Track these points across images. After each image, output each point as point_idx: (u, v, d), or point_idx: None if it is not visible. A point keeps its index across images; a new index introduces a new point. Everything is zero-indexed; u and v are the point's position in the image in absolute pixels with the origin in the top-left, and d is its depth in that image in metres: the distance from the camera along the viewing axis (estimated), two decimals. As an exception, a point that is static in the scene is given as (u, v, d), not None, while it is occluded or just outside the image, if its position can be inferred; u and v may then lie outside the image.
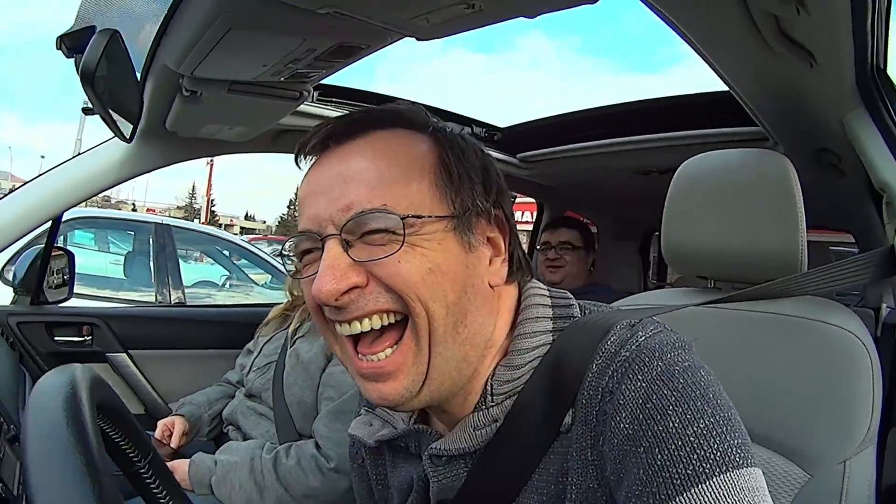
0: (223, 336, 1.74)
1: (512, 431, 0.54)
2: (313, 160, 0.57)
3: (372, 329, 0.52)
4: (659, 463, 0.43)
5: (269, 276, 4.64)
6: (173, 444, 1.38)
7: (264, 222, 47.74)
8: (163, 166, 1.52)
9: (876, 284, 2.60)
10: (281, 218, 44.70)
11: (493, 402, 0.55)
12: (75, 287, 1.71)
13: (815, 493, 0.80)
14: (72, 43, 0.95)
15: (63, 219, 3.75)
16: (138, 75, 1.07)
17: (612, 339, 0.52)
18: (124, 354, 1.69)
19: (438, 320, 0.51)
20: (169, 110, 1.26)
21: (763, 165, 0.96)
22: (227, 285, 4.81)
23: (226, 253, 4.75)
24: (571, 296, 0.62)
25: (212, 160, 29.61)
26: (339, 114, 1.60)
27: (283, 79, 1.03)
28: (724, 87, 1.06)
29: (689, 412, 0.44)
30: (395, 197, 0.51)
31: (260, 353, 1.46)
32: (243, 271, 4.78)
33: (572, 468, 0.50)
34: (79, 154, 1.43)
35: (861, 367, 0.83)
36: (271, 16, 0.79)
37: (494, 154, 1.96)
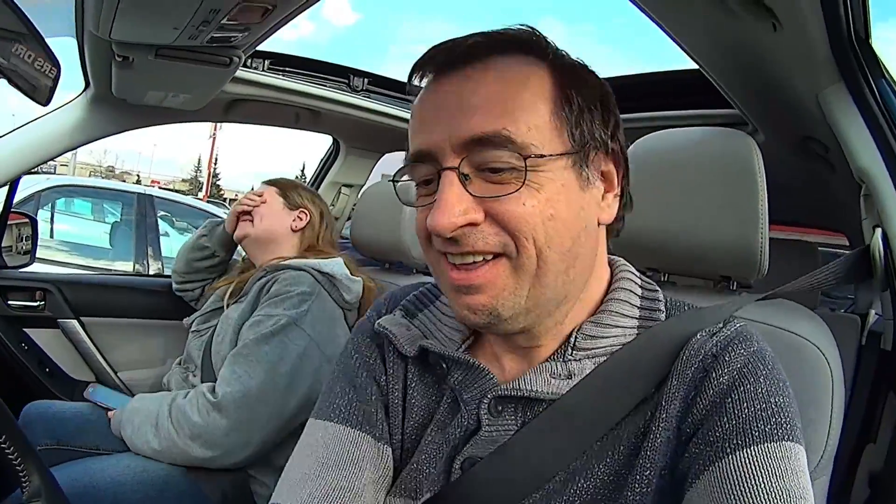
0: (176, 306, 1.70)
1: (586, 398, 0.53)
2: (429, 79, 0.55)
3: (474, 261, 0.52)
4: (743, 416, 0.49)
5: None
6: None
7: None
8: (116, 133, 1.52)
9: (867, 289, 2.42)
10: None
11: (572, 356, 0.55)
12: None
13: None
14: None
15: (49, 186, 3.75)
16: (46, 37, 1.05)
17: (711, 321, 0.57)
18: (75, 321, 1.69)
19: (550, 265, 0.51)
20: (111, 76, 1.27)
21: (721, 144, 0.82)
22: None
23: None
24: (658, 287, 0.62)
25: (214, 134, 29.05)
26: (290, 83, 1.61)
27: (204, 43, 1.01)
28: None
29: (775, 385, 0.51)
30: (516, 121, 0.50)
31: (203, 309, 1.45)
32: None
33: (656, 419, 0.52)
34: (32, 121, 1.43)
35: (817, 381, 0.71)
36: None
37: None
